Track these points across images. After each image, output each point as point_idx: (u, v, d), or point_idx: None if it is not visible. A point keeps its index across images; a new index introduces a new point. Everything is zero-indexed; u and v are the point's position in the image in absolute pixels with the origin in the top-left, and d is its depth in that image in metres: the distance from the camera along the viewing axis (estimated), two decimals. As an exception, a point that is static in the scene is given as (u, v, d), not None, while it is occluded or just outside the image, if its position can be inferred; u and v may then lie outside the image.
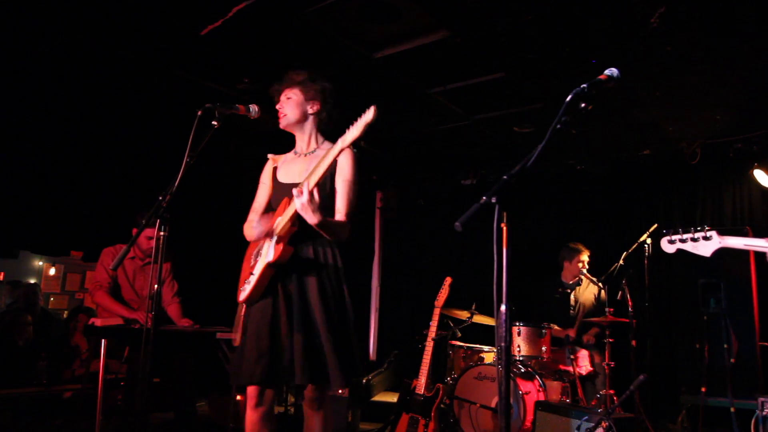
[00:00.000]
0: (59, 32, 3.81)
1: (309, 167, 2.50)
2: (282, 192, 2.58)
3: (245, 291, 2.51)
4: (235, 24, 3.67)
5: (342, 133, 2.24)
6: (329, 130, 2.69)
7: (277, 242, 2.41)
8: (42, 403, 4.75)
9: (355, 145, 2.31)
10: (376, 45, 4.05)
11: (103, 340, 3.52)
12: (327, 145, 2.62)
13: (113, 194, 5.10)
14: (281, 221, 2.44)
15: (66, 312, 8.49)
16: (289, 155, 2.73)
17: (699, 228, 2.38)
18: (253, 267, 2.55)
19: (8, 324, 5.56)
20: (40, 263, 9.53)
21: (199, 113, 2.37)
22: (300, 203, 2.22)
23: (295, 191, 2.24)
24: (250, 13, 3.55)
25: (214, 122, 2.42)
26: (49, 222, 4.93)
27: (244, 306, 2.57)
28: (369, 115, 2.15)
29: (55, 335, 6.05)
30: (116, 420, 4.03)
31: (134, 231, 4.11)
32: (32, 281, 8.35)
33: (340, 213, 2.49)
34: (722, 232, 2.37)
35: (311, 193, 2.21)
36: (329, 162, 2.29)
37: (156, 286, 2.41)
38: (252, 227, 2.55)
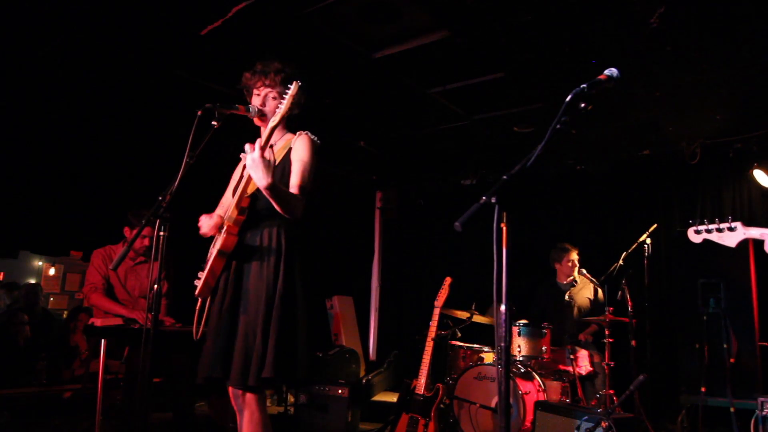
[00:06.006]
0: (59, 32, 3.81)
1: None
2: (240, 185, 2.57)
3: (198, 284, 2.50)
4: (235, 24, 3.67)
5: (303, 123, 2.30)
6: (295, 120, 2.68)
7: (224, 232, 2.41)
8: (42, 403, 4.75)
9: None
10: (376, 45, 4.05)
11: (102, 340, 3.52)
12: (288, 135, 2.61)
13: (113, 194, 5.10)
14: (229, 210, 2.44)
15: (66, 312, 8.50)
16: None
17: (724, 219, 2.55)
18: (208, 259, 2.54)
19: (4, 324, 5.56)
20: (40, 263, 9.53)
21: (199, 113, 2.36)
22: (251, 159, 2.16)
23: (247, 146, 2.18)
24: (250, 13, 3.55)
25: (214, 122, 2.41)
26: (49, 222, 4.93)
27: (200, 300, 2.55)
28: (292, 89, 2.24)
29: (55, 335, 6.05)
30: (116, 420, 4.03)
31: (126, 230, 4.11)
32: (32, 281, 8.36)
33: (293, 187, 2.43)
34: (747, 224, 2.51)
35: (263, 149, 2.15)
36: (266, 134, 2.29)
37: (156, 286, 2.41)
38: (201, 223, 2.56)
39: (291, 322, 2.38)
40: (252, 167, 2.17)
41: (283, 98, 2.28)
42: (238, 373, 2.30)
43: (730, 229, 2.51)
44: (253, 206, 2.46)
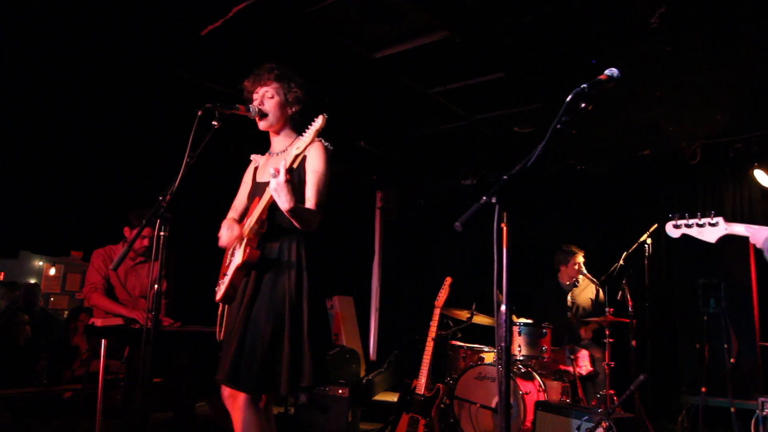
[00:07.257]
0: (59, 32, 3.81)
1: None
2: (256, 192, 2.58)
3: (220, 291, 2.54)
4: (235, 24, 3.67)
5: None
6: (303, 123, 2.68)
7: (246, 245, 2.42)
8: (42, 403, 4.75)
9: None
10: (376, 45, 4.05)
11: (103, 340, 3.52)
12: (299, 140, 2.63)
13: (113, 194, 5.10)
14: (249, 222, 2.45)
15: (66, 312, 8.49)
16: (266, 155, 2.73)
17: (705, 214, 2.43)
18: (227, 267, 2.56)
19: (5, 324, 5.56)
20: (40, 263, 9.53)
21: (199, 113, 2.36)
22: (276, 183, 2.18)
23: (271, 170, 2.21)
24: (250, 13, 3.55)
25: (214, 122, 2.41)
26: (49, 222, 4.93)
27: (223, 304, 2.59)
28: (318, 122, 2.21)
29: (55, 335, 6.05)
30: (116, 420, 4.03)
31: (126, 230, 4.11)
32: (32, 281, 8.35)
33: (309, 202, 2.44)
34: (729, 219, 2.40)
35: (288, 171, 2.17)
36: (291, 159, 2.26)
37: (156, 286, 2.41)
38: (221, 234, 2.56)
39: (319, 331, 2.46)
40: (276, 191, 2.19)
41: (296, 106, 2.28)
42: (256, 381, 2.33)
43: (712, 224, 2.42)
44: (272, 218, 2.47)
